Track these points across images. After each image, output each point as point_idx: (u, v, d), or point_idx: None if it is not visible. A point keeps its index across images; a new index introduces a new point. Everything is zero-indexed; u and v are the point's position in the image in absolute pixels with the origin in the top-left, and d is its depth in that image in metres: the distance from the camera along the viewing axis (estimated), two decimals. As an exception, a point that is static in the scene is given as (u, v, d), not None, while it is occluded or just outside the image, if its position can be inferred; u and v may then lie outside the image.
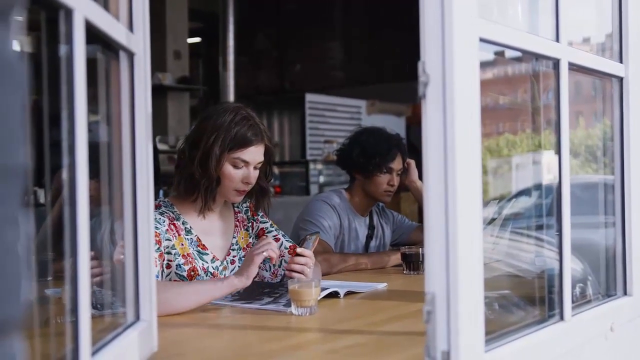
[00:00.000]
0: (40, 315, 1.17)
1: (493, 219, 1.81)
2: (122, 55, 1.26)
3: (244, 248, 2.23)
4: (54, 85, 0.97)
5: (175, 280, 2.04)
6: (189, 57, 7.42)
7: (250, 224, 2.28)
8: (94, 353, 1.02)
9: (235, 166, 2.07)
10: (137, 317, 1.30)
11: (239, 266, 2.16)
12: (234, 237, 2.22)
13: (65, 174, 0.96)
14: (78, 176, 0.95)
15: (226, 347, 1.53)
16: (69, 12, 0.94)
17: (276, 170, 7.27)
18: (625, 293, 1.70)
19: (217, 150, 2.03)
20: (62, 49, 0.96)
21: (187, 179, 2.09)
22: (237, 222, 2.25)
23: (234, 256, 2.20)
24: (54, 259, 1.32)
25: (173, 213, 2.11)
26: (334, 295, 2.02)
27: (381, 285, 2.25)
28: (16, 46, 0.53)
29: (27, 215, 0.55)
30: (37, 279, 1.16)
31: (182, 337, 1.61)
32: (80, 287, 0.95)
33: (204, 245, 2.12)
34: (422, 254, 2.54)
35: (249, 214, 2.29)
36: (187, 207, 2.13)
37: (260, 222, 2.29)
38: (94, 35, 1.05)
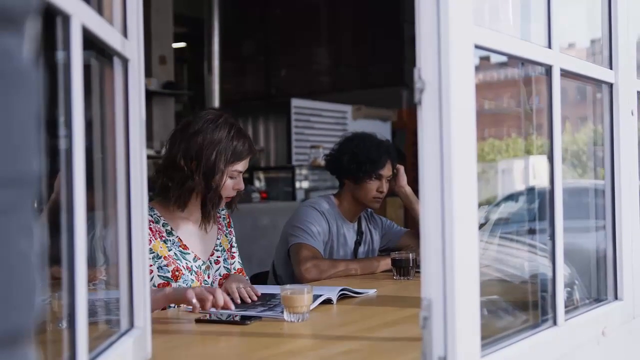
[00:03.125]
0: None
1: (482, 224, 1.82)
2: (116, 61, 1.26)
3: (226, 250, 2.32)
4: (48, 91, 0.95)
5: (159, 283, 2.08)
6: (174, 62, 7.39)
7: (228, 230, 2.38)
8: (90, 361, 1.01)
9: (232, 177, 2.18)
10: (132, 325, 1.29)
11: (224, 266, 2.27)
12: (218, 239, 2.30)
13: (61, 180, 0.95)
14: (75, 182, 0.94)
15: (220, 354, 1.53)
16: (66, 19, 0.93)
17: (262, 175, 7.25)
18: (616, 297, 1.71)
19: (221, 165, 2.13)
20: (59, 55, 0.95)
21: (187, 192, 2.13)
22: (220, 225, 2.34)
23: (217, 256, 2.27)
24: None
25: (152, 216, 2.15)
26: (326, 301, 2.01)
27: (371, 292, 2.25)
28: (30, 54, 0.53)
29: (40, 224, 0.54)
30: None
31: (176, 344, 1.61)
32: (77, 295, 0.94)
33: (185, 245, 2.18)
34: (412, 260, 2.54)
35: (225, 222, 2.37)
36: (172, 210, 2.19)
37: (233, 236, 2.39)
38: (89, 41, 1.04)
